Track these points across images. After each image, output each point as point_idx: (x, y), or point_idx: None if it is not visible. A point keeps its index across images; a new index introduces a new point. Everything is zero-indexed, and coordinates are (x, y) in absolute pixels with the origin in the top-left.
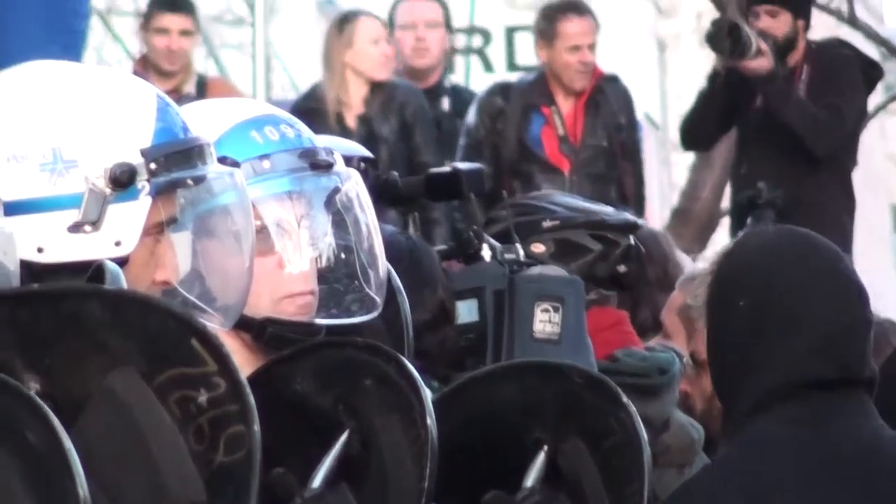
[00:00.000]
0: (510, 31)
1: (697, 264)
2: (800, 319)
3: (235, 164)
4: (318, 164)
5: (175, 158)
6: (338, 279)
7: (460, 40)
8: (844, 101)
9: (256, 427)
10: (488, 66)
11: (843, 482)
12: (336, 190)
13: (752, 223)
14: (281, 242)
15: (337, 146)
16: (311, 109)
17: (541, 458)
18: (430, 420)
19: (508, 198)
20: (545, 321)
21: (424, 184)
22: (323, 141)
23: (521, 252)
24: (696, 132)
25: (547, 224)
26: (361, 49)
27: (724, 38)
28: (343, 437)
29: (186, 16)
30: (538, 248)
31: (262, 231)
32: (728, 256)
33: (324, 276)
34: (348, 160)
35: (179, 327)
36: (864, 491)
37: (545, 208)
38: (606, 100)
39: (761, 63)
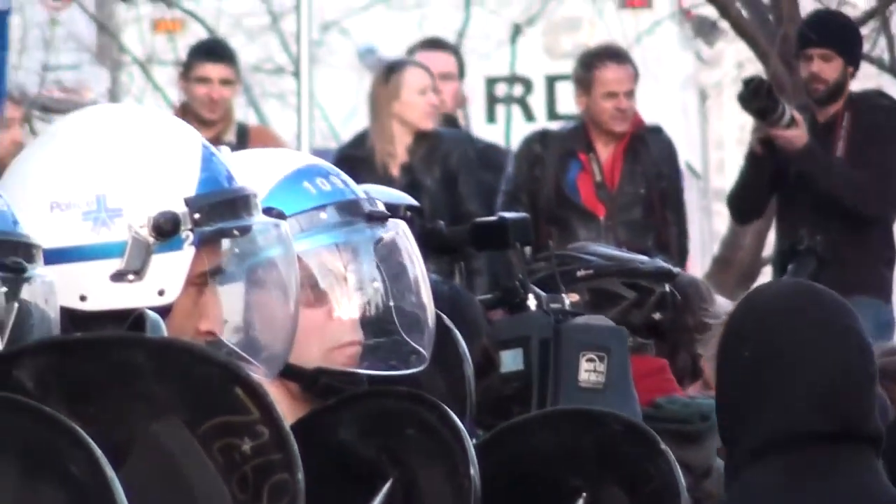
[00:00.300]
0: (551, 80)
1: None
2: (798, 371)
3: (282, 216)
4: (373, 216)
5: (220, 208)
6: (386, 330)
7: (501, 89)
8: (887, 157)
9: (300, 475)
10: (529, 116)
11: None
12: (384, 240)
13: (792, 270)
14: (331, 293)
15: (382, 194)
16: (357, 158)
17: None
18: (474, 470)
19: (547, 247)
20: (590, 370)
21: (470, 232)
22: (368, 190)
23: (567, 301)
24: (745, 205)
25: (581, 273)
26: (408, 99)
27: (758, 97)
28: (386, 487)
29: (227, 65)
30: (573, 297)
31: (313, 282)
32: (739, 307)
33: (373, 326)
34: (394, 209)
35: (222, 375)
36: None
37: (580, 258)
38: (647, 148)
39: (796, 135)
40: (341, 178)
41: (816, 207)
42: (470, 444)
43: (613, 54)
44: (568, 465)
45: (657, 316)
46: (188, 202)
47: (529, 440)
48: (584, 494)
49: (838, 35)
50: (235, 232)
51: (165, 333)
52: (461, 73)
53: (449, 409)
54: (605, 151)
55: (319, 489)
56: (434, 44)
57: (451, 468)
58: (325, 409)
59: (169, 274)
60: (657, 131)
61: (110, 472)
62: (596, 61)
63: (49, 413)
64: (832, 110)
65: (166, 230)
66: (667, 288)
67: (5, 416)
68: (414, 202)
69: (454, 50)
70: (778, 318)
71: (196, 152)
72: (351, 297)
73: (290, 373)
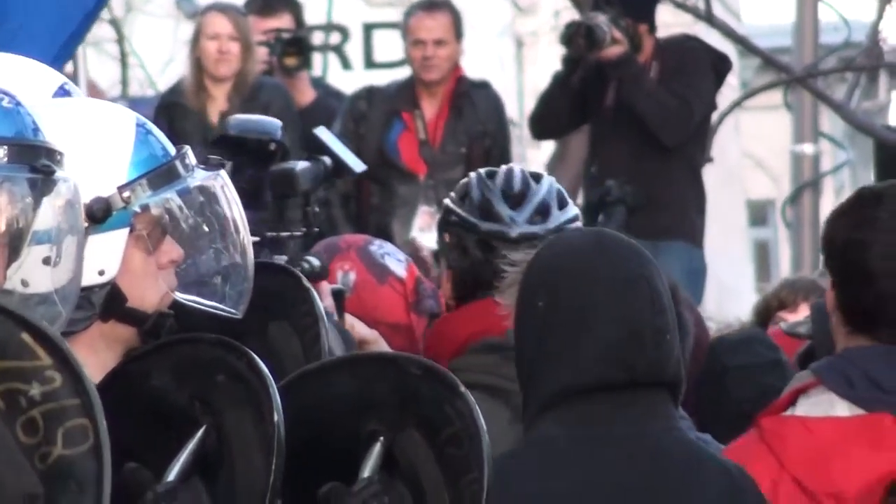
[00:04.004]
0: (368, 28)
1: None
2: (585, 323)
3: (221, 165)
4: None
5: (154, 181)
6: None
7: (318, 37)
8: (692, 91)
9: (101, 420)
10: (346, 64)
11: (620, 482)
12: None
13: (602, 221)
14: (164, 242)
15: (254, 123)
16: (175, 104)
17: (377, 448)
18: (278, 416)
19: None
20: None
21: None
22: (240, 119)
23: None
24: (547, 121)
25: (452, 219)
26: (203, 45)
27: (579, 37)
28: (199, 434)
29: None
30: (445, 238)
31: (148, 233)
32: (536, 256)
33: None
34: (249, 140)
35: (6, 322)
36: (638, 490)
37: (467, 199)
38: (472, 105)
39: (616, 50)
40: (156, 131)
41: (626, 157)
42: (275, 391)
43: (426, 4)
44: (366, 409)
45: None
46: (120, 188)
47: (329, 384)
48: (382, 438)
49: None
50: (168, 202)
51: None
52: (458, 34)
53: (256, 357)
54: (430, 109)
55: (136, 436)
56: (428, 5)
57: (257, 414)
58: (139, 356)
59: (107, 253)
60: (484, 86)
61: None
62: (411, 11)
63: None
64: (641, 59)
65: (99, 216)
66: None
67: None
68: (279, 136)
69: (451, 10)
70: (570, 269)
71: (129, 132)
72: (182, 246)
73: (132, 317)
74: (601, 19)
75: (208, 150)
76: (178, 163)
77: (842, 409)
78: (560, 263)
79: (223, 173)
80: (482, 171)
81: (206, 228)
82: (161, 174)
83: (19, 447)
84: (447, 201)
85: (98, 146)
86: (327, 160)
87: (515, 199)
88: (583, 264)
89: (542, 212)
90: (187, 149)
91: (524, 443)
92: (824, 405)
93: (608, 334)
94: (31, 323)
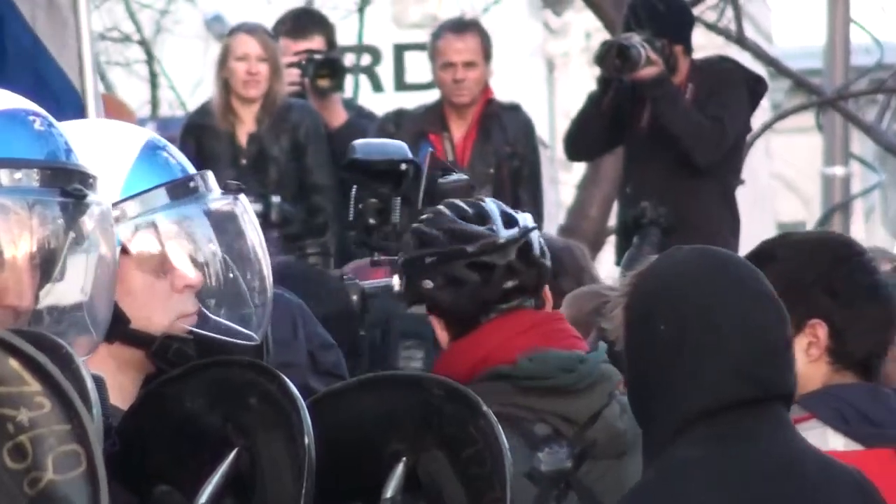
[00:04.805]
0: (399, 50)
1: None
2: (717, 342)
3: (240, 190)
4: (226, 187)
5: (148, 201)
6: (228, 300)
7: (349, 59)
8: (728, 112)
9: (94, 445)
10: (377, 86)
11: (765, 499)
12: (227, 212)
13: (637, 243)
14: (176, 265)
15: (378, 147)
16: (203, 126)
17: (399, 469)
18: (308, 439)
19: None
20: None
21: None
22: (364, 143)
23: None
24: (581, 142)
25: (428, 261)
26: (231, 66)
27: (613, 58)
28: (231, 456)
29: None
30: (427, 284)
31: (158, 255)
32: (645, 281)
33: (215, 296)
34: (383, 162)
35: None
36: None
37: (432, 238)
38: (501, 126)
39: (651, 70)
40: (175, 152)
41: (661, 178)
42: (306, 413)
43: (453, 25)
44: (389, 429)
45: (512, 283)
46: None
47: (352, 405)
48: (405, 459)
49: (661, 18)
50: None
51: None
52: (487, 55)
53: (287, 380)
54: (458, 131)
55: (166, 458)
56: (457, 26)
57: (289, 437)
58: (171, 378)
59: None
60: (514, 109)
61: None
62: (439, 32)
63: None
64: (677, 80)
65: None
66: (512, 256)
67: None
68: (409, 155)
69: (480, 31)
70: (691, 289)
71: (129, 154)
72: (195, 270)
73: (138, 339)
74: (636, 39)
75: (340, 173)
76: (184, 185)
77: (836, 443)
78: (679, 284)
79: (243, 198)
80: (422, 218)
81: (221, 253)
82: (159, 195)
83: (6, 473)
84: (404, 256)
85: (95, 164)
86: None
87: (478, 218)
88: (705, 284)
89: (509, 219)
90: (203, 173)
91: (654, 471)
92: (817, 440)
93: (742, 351)
94: (19, 349)
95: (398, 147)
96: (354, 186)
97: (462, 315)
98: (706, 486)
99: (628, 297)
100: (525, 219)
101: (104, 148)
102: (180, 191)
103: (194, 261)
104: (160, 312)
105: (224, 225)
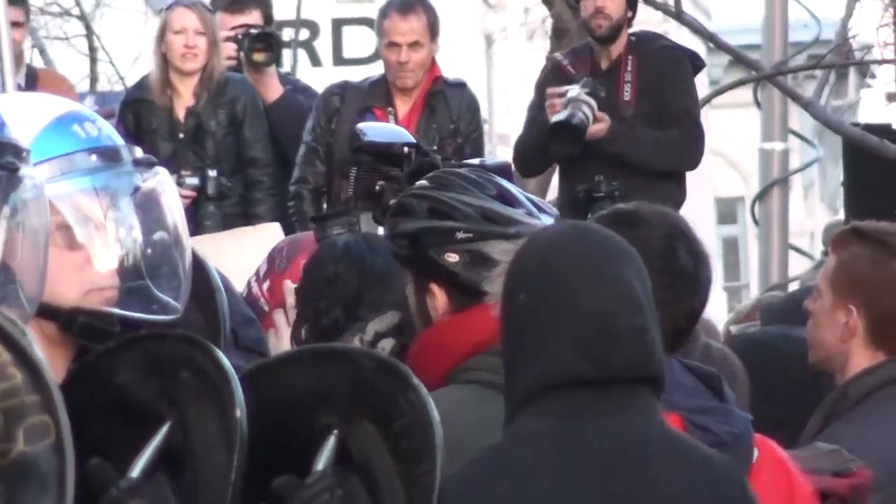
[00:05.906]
0: (338, 24)
1: None
2: (563, 318)
3: (153, 163)
4: (139, 162)
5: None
6: (141, 276)
7: (287, 33)
8: (692, 101)
9: (62, 416)
10: (316, 61)
11: (596, 477)
12: (146, 188)
13: (593, 217)
14: (89, 238)
15: (381, 131)
16: (142, 101)
17: (330, 441)
18: (240, 412)
19: (340, 201)
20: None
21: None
22: (367, 126)
23: None
24: (531, 165)
25: (461, 236)
26: (168, 39)
27: (564, 143)
28: (164, 429)
29: (17, 7)
30: (452, 257)
31: (70, 226)
32: (520, 250)
33: (129, 272)
34: (391, 146)
35: None
36: (616, 486)
37: (458, 211)
38: (446, 104)
39: (599, 129)
40: (102, 125)
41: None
42: (238, 386)
43: (400, 3)
44: (320, 402)
45: None
46: None
47: (284, 378)
48: (336, 431)
49: None
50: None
51: None
52: (433, 34)
53: (220, 352)
54: (403, 106)
55: (99, 430)
56: (403, 6)
57: (220, 409)
58: (105, 351)
59: None
60: (460, 86)
61: None
62: (385, 10)
63: None
64: (615, 53)
65: None
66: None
67: None
68: (412, 139)
69: (426, 10)
70: (551, 264)
71: (36, 124)
72: (110, 244)
73: (46, 312)
74: (575, 100)
75: (352, 157)
76: (91, 156)
77: None
78: (541, 256)
79: (162, 171)
80: (429, 185)
81: (137, 226)
82: (61, 164)
83: None
84: (416, 224)
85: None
86: None
87: (500, 198)
88: (561, 259)
89: (535, 204)
90: (126, 146)
91: (504, 437)
92: None
93: (579, 330)
94: None
95: (401, 132)
96: (354, 168)
97: (475, 289)
98: (539, 457)
99: (509, 264)
100: (550, 206)
101: (13, 118)
102: (84, 161)
103: (107, 234)
104: (68, 285)
105: (141, 199)
